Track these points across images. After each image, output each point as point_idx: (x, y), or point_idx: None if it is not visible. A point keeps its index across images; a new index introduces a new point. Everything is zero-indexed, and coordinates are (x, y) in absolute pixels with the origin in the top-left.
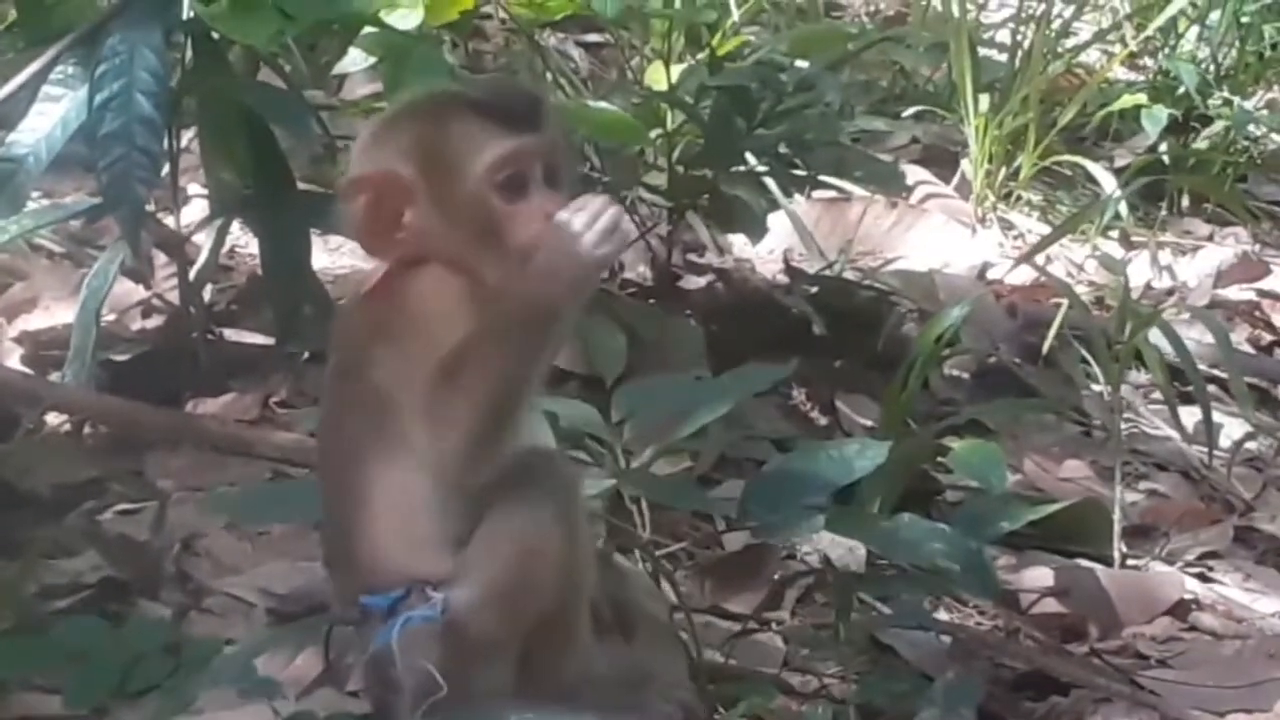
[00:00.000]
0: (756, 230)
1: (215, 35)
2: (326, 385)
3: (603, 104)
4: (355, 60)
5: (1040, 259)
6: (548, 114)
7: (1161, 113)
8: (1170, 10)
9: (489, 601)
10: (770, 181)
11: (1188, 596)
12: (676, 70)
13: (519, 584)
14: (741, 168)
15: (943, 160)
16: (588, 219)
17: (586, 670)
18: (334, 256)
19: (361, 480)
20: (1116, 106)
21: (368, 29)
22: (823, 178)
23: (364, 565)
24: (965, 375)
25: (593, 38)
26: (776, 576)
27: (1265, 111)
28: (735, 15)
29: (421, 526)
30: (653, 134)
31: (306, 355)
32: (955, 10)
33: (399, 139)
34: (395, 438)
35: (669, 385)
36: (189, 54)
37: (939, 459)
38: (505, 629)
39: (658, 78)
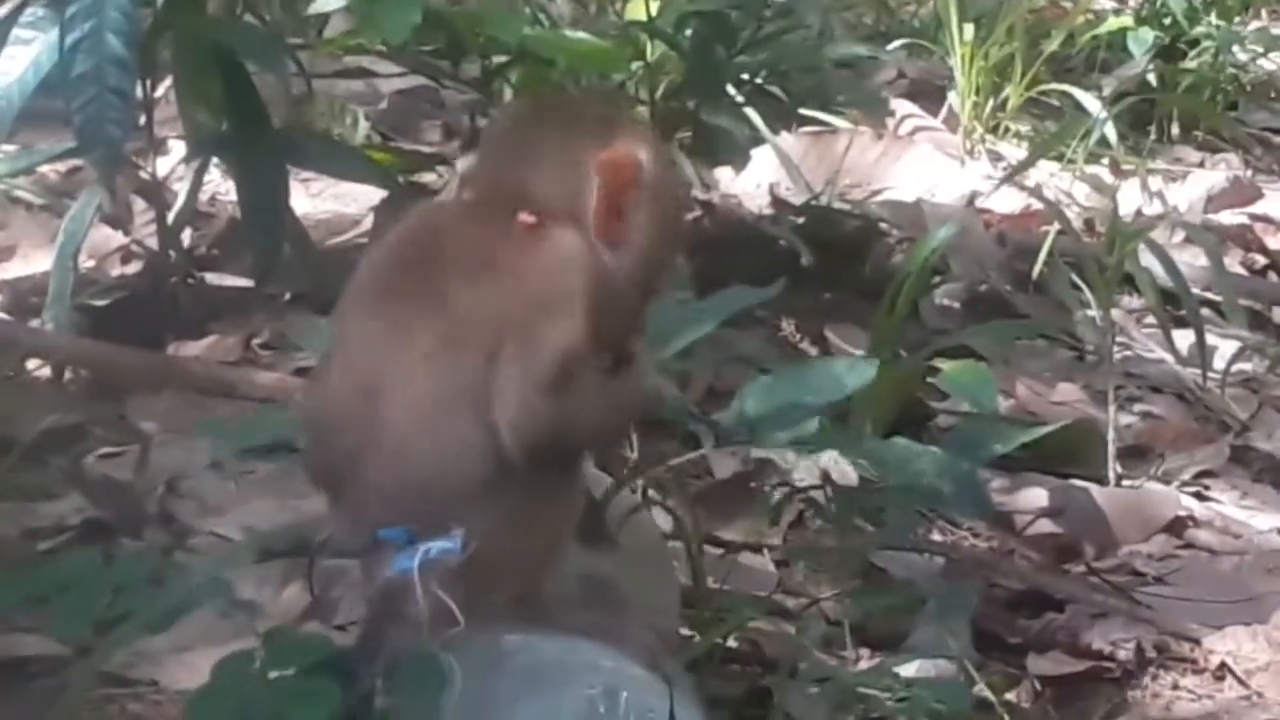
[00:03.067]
0: (740, 161)
1: None
2: (365, 294)
3: (581, 34)
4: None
5: (1029, 187)
6: None
7: (1148, 34)
8: None
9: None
10: (754, 115)
11: (1183, 514)
12: (657, 6)
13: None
14: (723, 98)
15: (929, 94)
16: None
17: (564, 593)
18: (315, 201)
19: (412, 411)
20: (1103, 29)
21: None
22: (806, 110)
23: (388, 495)
24: (955, 304)
25: None
26: (773, 497)
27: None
28: None
29: (466, 470)
30: (633, 67)
31: (288, 296)
32: None
33: (642, 144)
34: (466, 379)
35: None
36: None
37: (930, 382)
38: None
39: (638, 10)
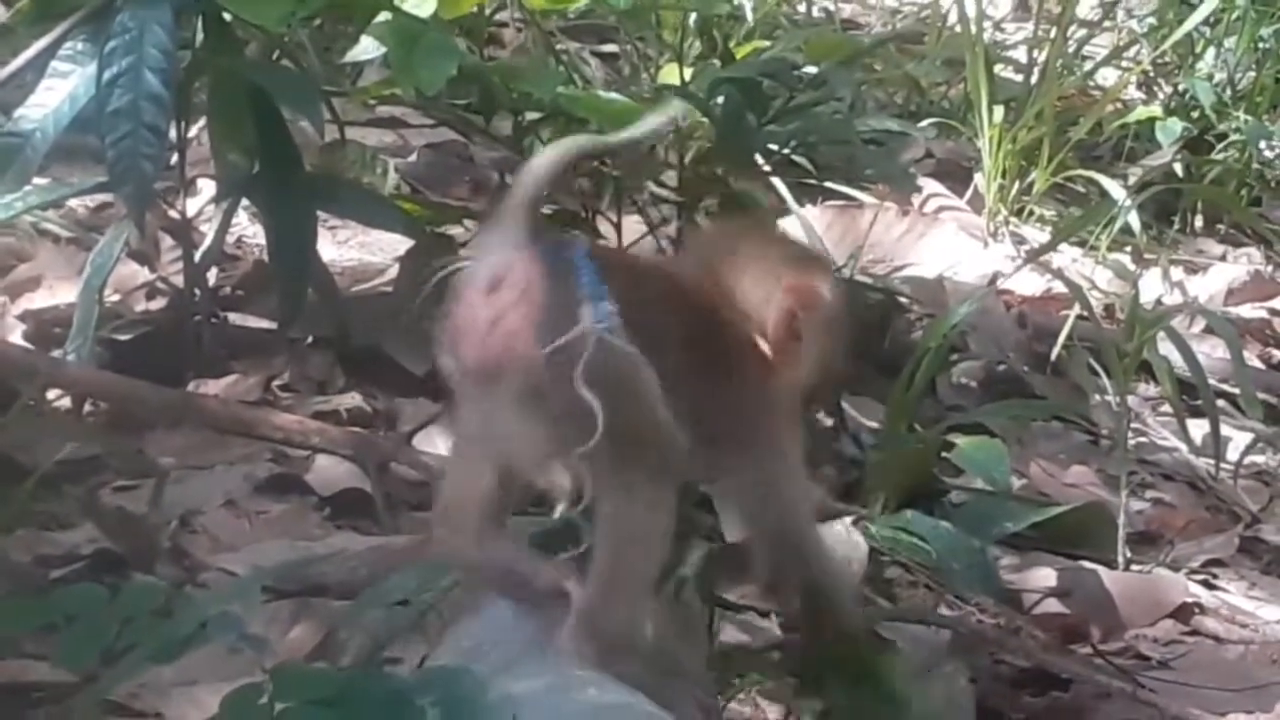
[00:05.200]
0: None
1: (226, 16)
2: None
3: (614, 95)
4: (367, 49)
5: (1051, 269)
6: None
7: (1176, 125)
8: (1185, 28)
9: None
10: (781, 185)
11: (1191, 601)
12: (690, 73)
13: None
14: (752, 167)
15: (956, 174)
16: None
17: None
18: (342, 249)
19: None
20: (1132, 118)
21: (381, 16)
22: (833, 183)
23: None
24: (973, 383)
25: (608, 48)
26: None
27: None
28: (750, 21)
29: None
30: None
31: (310, 340)
32: (972, 27)
33: (827, 283)
34: None
35: None
36: (200, 35)
37: (944, 458)
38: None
39: (671, 76)
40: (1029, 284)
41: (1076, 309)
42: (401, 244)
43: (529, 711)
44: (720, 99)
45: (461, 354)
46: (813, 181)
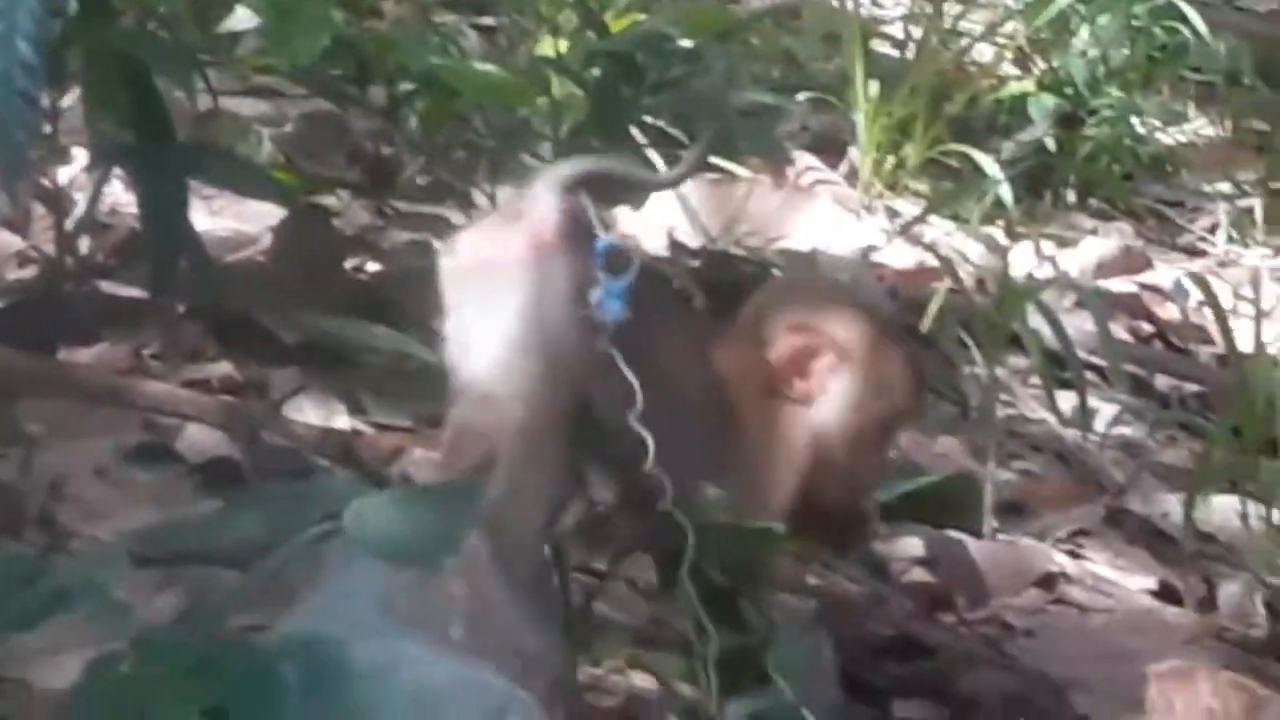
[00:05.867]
0: (639, 200)
1: None
2: None
3: (489, 67)
4: (243, 19)
5: (924, 243)
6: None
7: (1049, 101)
8: (1059, 4)
9: None
10: (657, 158)
11: (1056, 570)
12: (566, 46)
13: None
14: (626, 139)
15: (831, 149)
16: None
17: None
18: (216, 219)
19: None
20: (1005, 94)
21: None
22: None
23: None
24: None
25: (486, 21)
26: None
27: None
28: None
29: None
30: (539, 103)
31: (182, 309)
32: (848, 3)
33: (849, 324)
34: None
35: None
36: (74, 2)
37: None
38: None
39: (547, 49)
40: (902, 257)
41: (947, 282)
42: (276, 214)
43: (374, 682)
44: (595, 72)
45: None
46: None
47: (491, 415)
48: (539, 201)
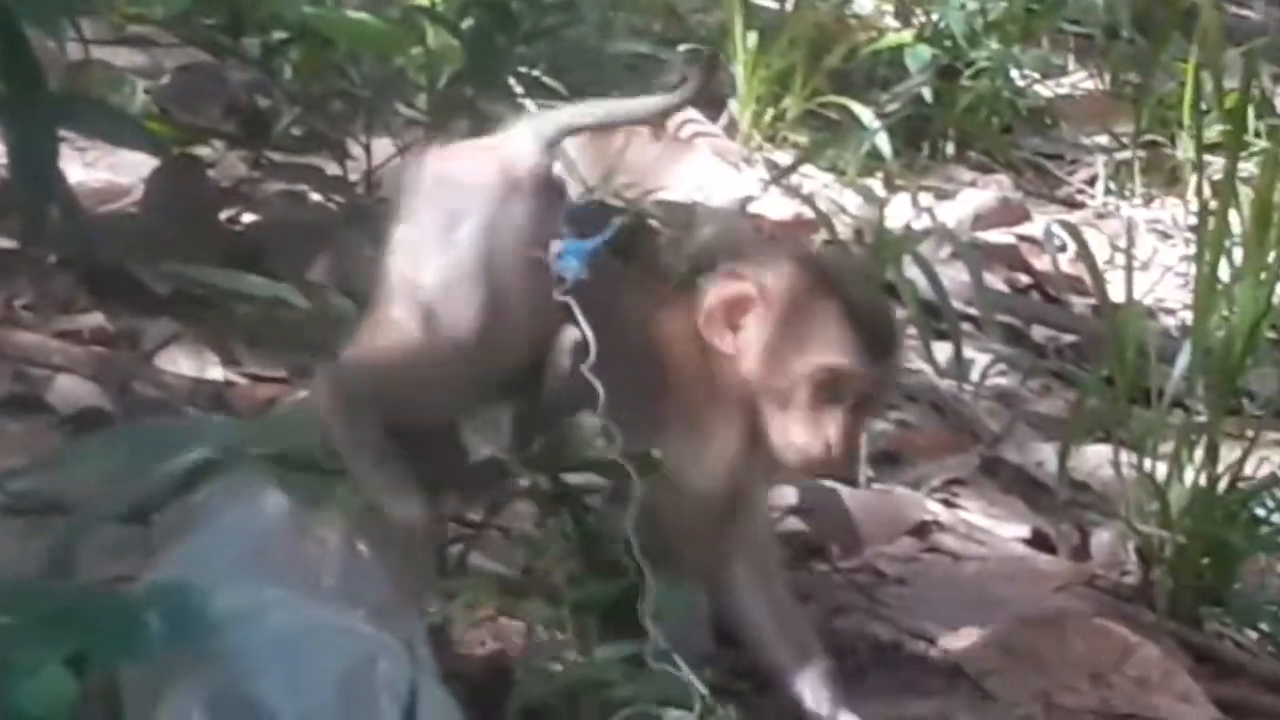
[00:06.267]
0: None
1: None
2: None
3: (363, 15)
4: None
5: (802, 194)
6: (897, 352)
7: (925, 52)
8: None
9: None
10: (533, 107)
11: (929, 519)
12: None
13: None
14: (501, 88)
15: (711, 101)
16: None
17: None
18: (89, 170)
19: None
20: (883, 45)
21: None
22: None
23: None
24: None
25: None
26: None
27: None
28: None
29: None
30: (414, 52)
31: (53, 259)
32: None
33: (777, 270)
34: None
35: None
36: None
37: None
38: None
39: None
40: (780, 208)
41: (824, 233)
42: (150, 165)
43: (239, 628)
44: (470, 21)
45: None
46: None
47: (414, 324)
48: (518, 142)
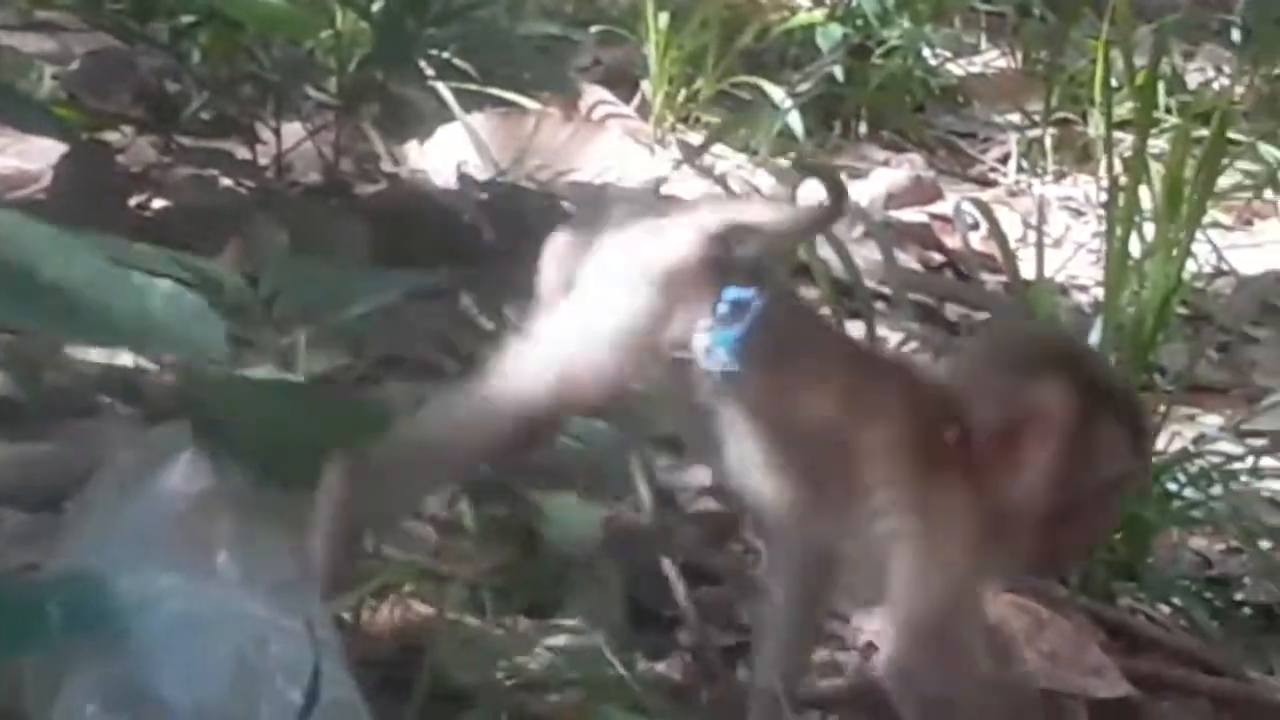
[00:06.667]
0: (425, 132)
1: None
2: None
3: None
4: None
5: (714, 175)
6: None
7: (837, 31)
8: None
9: None
10: (446, 91)
11: None
12: None
13: None
14: (412, 71)
15: (624, 82)
16: None
17: None
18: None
19: None
20: (794, 24)
21: None
22: (497, 89)
23: None
24: None
25: None
26: None
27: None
28: None
29: None
30: (324, 35)
31: None
32: None
33: (1059, 390)
34: None
35: (327, 268)
36: None
37: None
38: None
39: None
40: (693, 189)
41: None
42: (59, 151)
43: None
44: (380, 3)
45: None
46: (477, 88)
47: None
48: (684, 231)
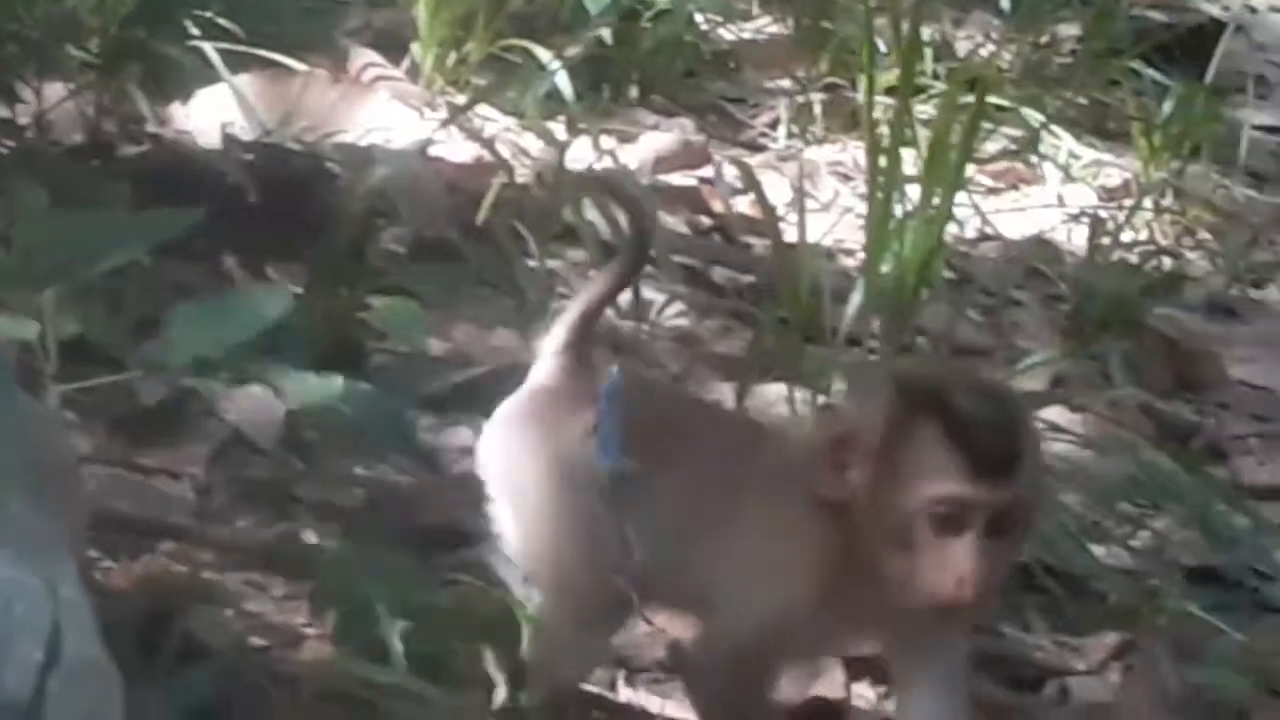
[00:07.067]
0: (189, 92)
1: None
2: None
3: None
4: None
5: (482, 138)
6: (1022, 467)
7: None
8: None
9: None
10: (212, 51)
11: None
12: None
13: None
14: (175, 30)
15: (394, 46)
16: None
17: None
18: None
19: None
20: None
21: None
22: (262, 50)
23: None
24: (403, 250)
25: None
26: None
27: None
28: None
29: None
30: None
31: None
32: None
33: (878, 405)
34: None
35: (79, 221)
36: None
37: (367, 322)
38: None
39: None
40: (462, 152)
41: (503, 176)
42: None
43: None
44: None
45: None
46: (243, 48)
47: None
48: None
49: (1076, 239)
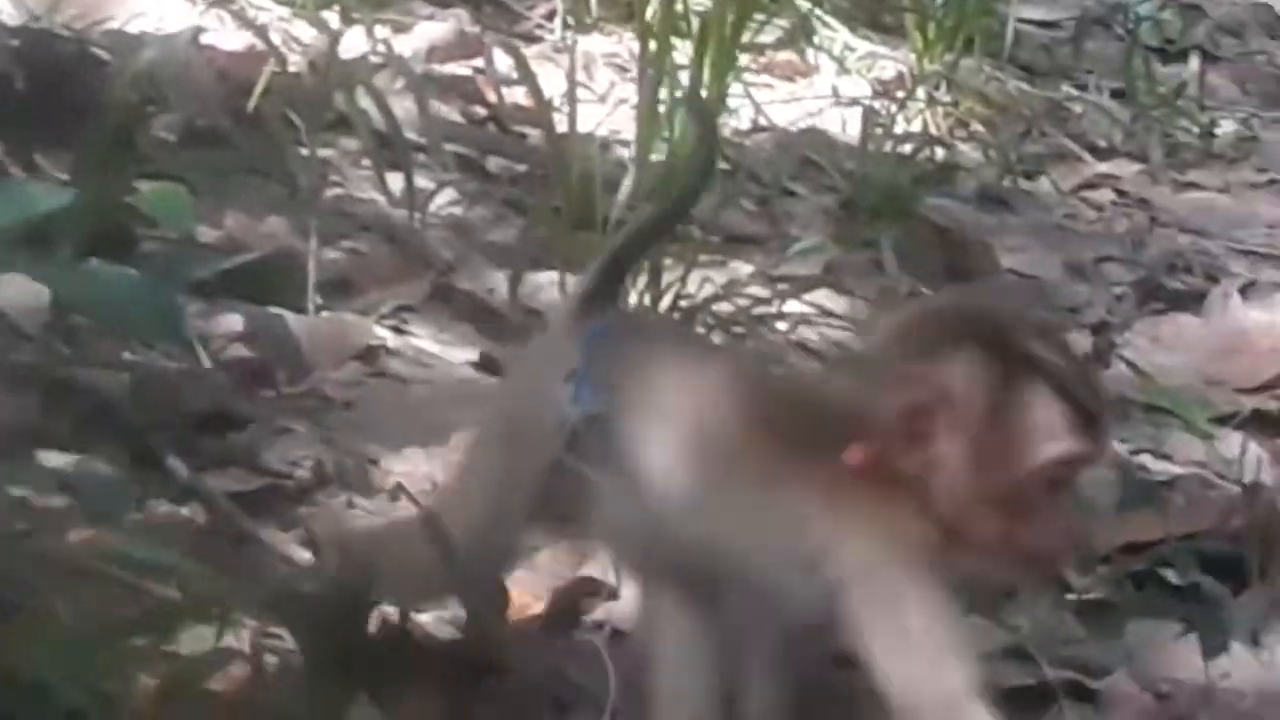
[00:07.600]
0: None
1: None
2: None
3: None
4: None
5: (254, 25)
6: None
7: None
8: None
9: None
10: None
11: (377, 344)
12: None
13: None
14: None
15: None
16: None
17: None
18: None
19: None
20: None
21: None
22: None
23: None
24: (174, 138)
25: None
26: None
27: None
28: None
29: None
30: None
31: None
32: None
33: (968, 367)
34: None
35: None
36: None
37: (135, 209)
38: None
39: None
40: (234, 41)
41: (275, 64)
42: None
43: None
44: None
45: None
46: None
47: None
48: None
49: (851, 130)
